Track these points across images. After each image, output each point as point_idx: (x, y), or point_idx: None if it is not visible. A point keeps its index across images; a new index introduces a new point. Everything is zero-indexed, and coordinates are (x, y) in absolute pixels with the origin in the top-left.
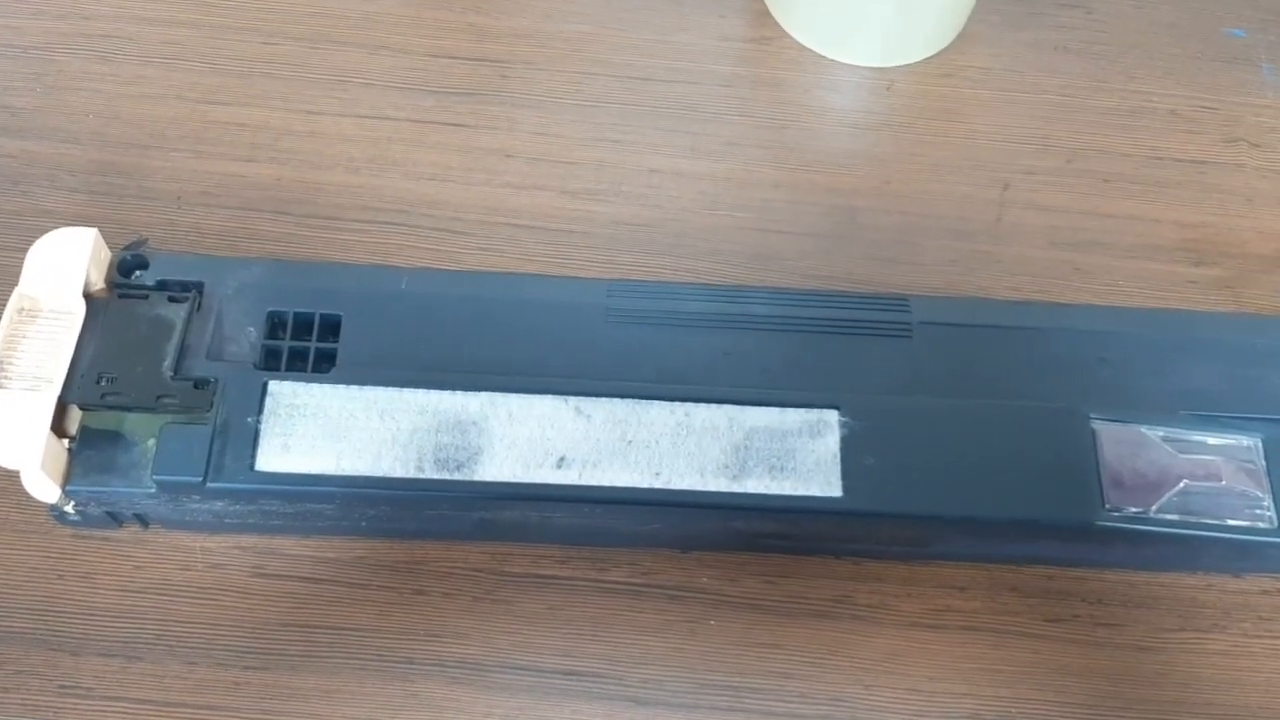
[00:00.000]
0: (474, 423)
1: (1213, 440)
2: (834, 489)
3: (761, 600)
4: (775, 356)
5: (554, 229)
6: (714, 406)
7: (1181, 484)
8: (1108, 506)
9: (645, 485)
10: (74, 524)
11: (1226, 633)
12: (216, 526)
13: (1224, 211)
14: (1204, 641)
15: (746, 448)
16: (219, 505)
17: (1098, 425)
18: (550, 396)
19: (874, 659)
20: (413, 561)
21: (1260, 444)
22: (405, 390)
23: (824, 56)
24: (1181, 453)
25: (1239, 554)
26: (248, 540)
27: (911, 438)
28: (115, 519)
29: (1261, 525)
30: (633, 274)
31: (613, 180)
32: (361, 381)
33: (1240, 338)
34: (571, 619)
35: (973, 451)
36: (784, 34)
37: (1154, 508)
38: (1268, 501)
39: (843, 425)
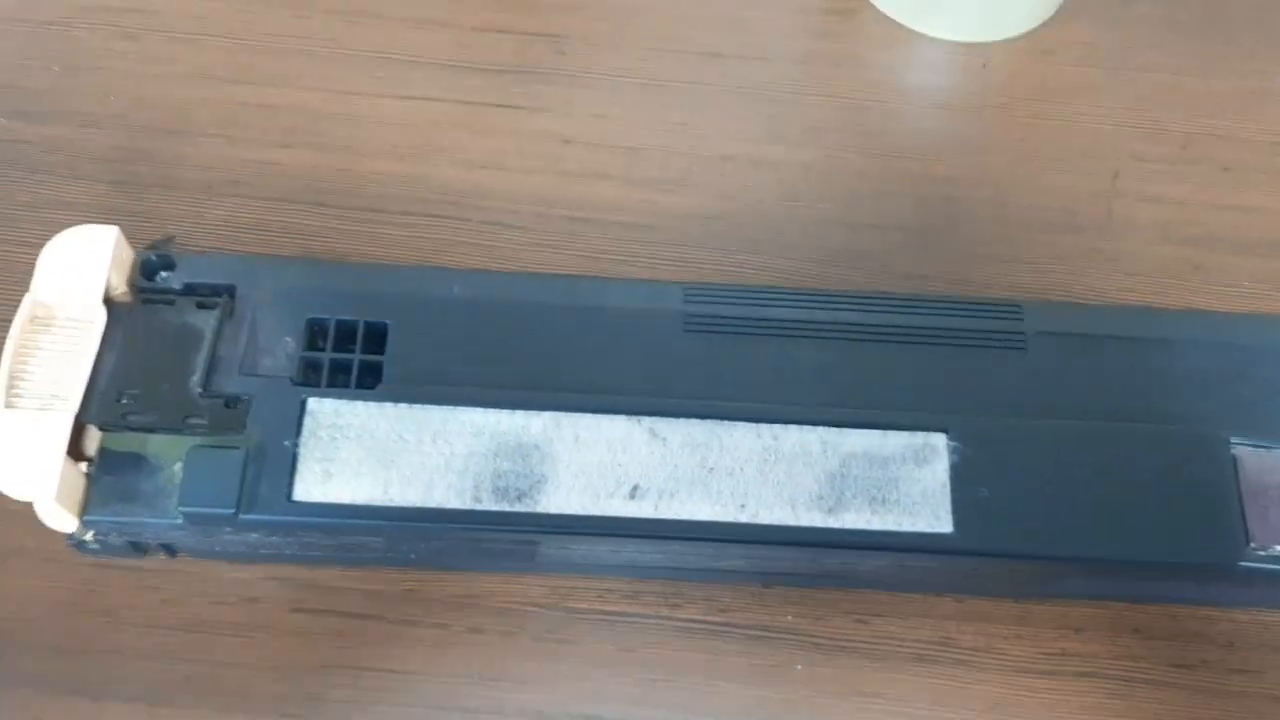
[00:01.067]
0: (536, 446)
1: None
2: (943, 524)
3: (853, 642)
4: (874, 371)
5: (617, 222)
6: (806, 429)
7: None
8: (1253, 544)
9: (729, 519)
10: (94, 553)
11: None
12: (251, 556)
13: None
14: None
15: (843, 476)
16: (253, 537)
17: (1239, 450)
18: (621, 417)
19: (979, 709)
20: (467, 596)
21: None
22: (459, 409)
23: (912, 30)
24: None
25: None
26: (286, 571)
27: (1029, 465)
28: (139, 549)
29: None
30: (705, 274)
31: (681, 168)
32: (411, 400)
33: None
34: (644, 662)
35: (1098, 481)
36: (867, 5)
37: None
38: None
39: (952, 451)
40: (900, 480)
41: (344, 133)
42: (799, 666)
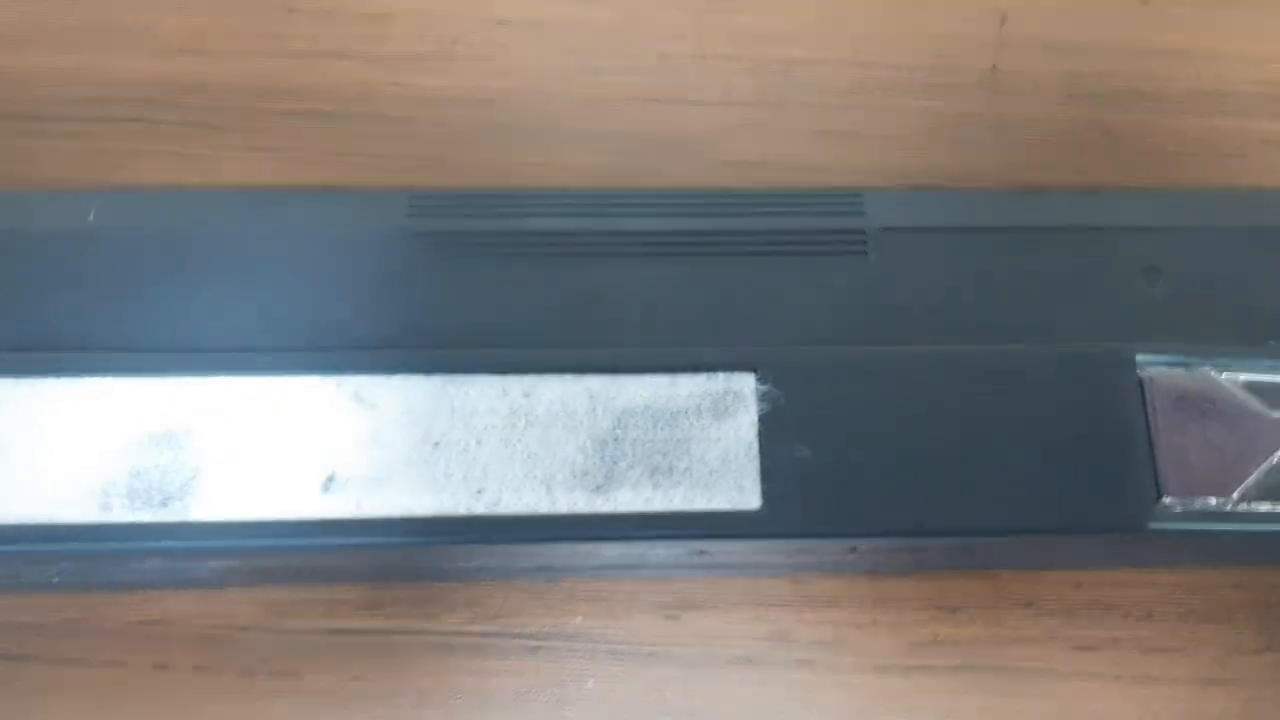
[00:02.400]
0: (189, 429)
1: None
2: (749, 498)
3: (661, 645)
4: (662, 295)
5: (357, 115)
6: (568, 379)
7: (1275, 457)
8: (1165, 500)
9: (459, 512)
10: None
11: None
12: None
13: None
14: None
15: (617, 441)
16: None
17: (1150, 372)
18: (315, 378)
19: None
20: (150, 621)
21: None
22: (83, 380)
23: None
24: (1273, 408)
25: None
26: None
27: (865, 411)
28: None
29: None
30: (468, 179)
31: (442, 39)
32: (10, 372)
33: None
34: (388, 694)
35: (959, 427)
36: None
37: (1234, 496)
38: None
39: (762, 397)
40: (693, 441)
41: None
42: (591, 682)
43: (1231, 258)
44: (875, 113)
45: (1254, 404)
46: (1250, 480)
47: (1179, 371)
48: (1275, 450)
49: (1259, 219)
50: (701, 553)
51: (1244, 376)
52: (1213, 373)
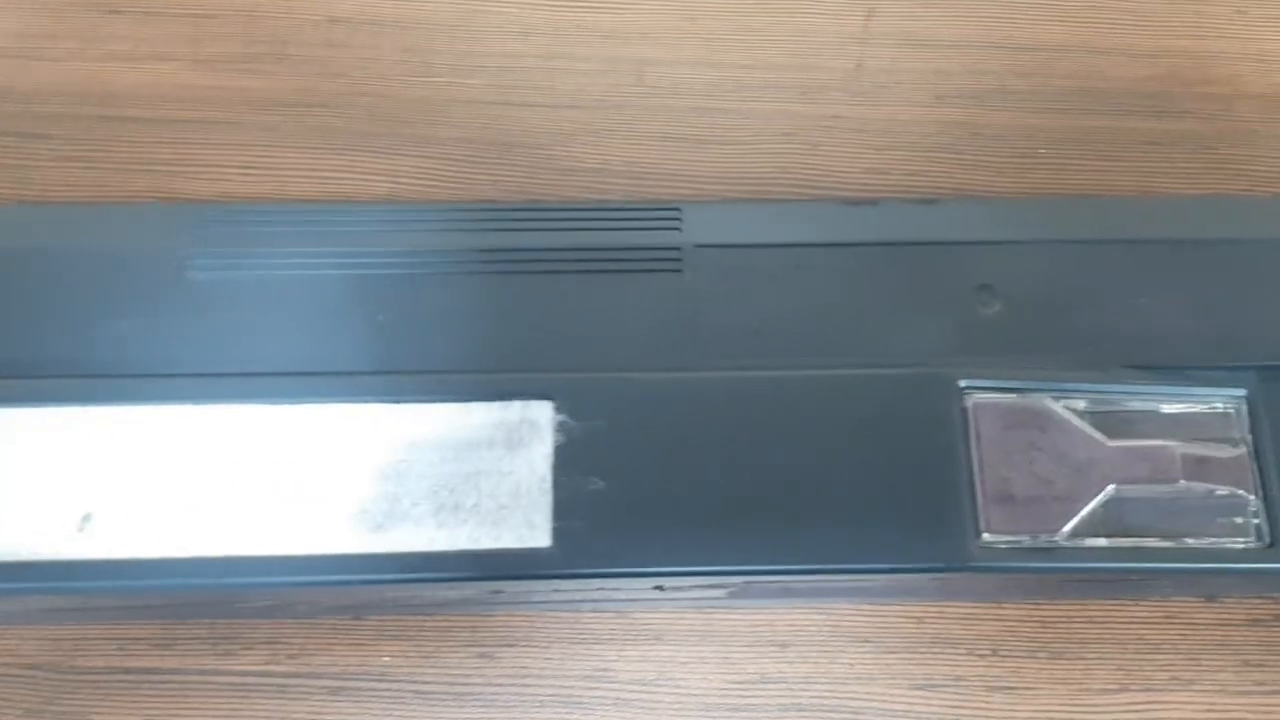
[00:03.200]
0: None
1: (1167, 408)
2: (538, 535)
3: (476, 685)
4: (458, 319)
5: (181, 120)
6: (352, 406)
7: (1109, 490)
8: (985, 537)
9: (217, 553)
10: None
11: (1193, 689)
12: None
13: (1199, 30)
14: (1151, 709)
15: (400, 475)
16: None
17: (973, 398)
18: (65, 408)
19: None
20: None
21: (1243, 408)
22: None
23: None
24: (1113, 436)
25: (1209, 579)
26: None
27: (671, 439)
28: None
29: (1241, 545)
30: (292, 191)
31: (274, 38)
32: None
33: (1215, 233)
34: None
35: (772, 455)
36: None
37: (1064, 531)
38: (1252, 502)
39: (559, 427)
40: (482, 475)
41: None
42: None
43: (1080, 274)
44: (730, 116)
45: (1091, 433)
46: (1083, 514)
47: (1009, 398)
48: (1110, 482)
49: (1116, 230)
50: (497, 591)
51: (1083, 403)
52: (1047, 399)
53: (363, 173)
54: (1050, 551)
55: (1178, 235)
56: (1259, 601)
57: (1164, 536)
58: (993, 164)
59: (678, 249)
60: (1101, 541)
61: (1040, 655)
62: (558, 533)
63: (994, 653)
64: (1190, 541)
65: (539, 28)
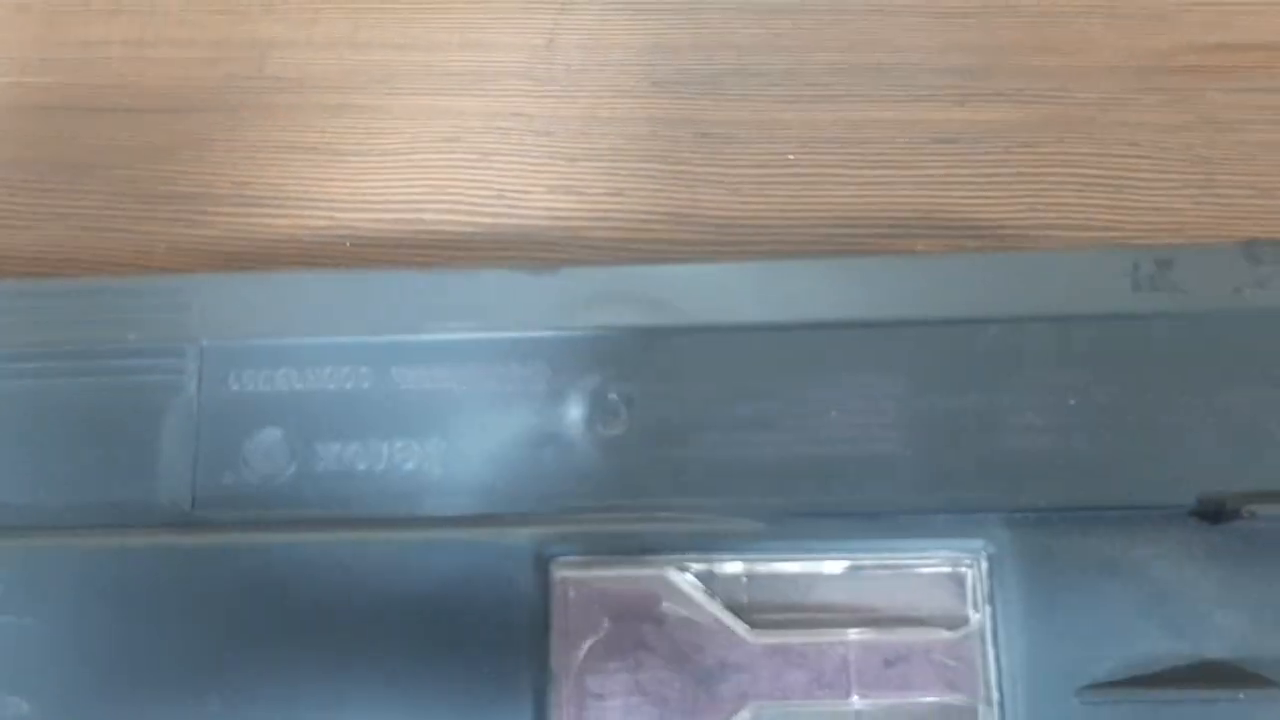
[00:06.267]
0: None
1: (862, 574)
2: None
3: None
4: None
5: None
6: None
7: (744, 714)
8: None
9: None
10: None
11: None
12: None
13: None
14: None
15: None
16: None
17: (562, 571)
18: None
19: None
20: None
21: (981, 567)
22: None
23: None
24: (760, 625)
25: None
26: None
27: (141, 620)
28: None
29: None
30: None
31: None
32: None
33: (972, 309)
34: None
35: (304, 639)
36: None
37: None
38: (982, 716)
39: None
40: None
41: None
42: None
43: (734, 361)
44: (373, 116)
45: (728, 622)
46: None
47: (619, 575)
48: (749, 700)
49: (831, 306)
50: None
51: (732, 565)
52: (670, 571)
53: None
54: None
55: (905, 314)
56: None
57: None
58: (725, 176)
59: (189, 342)
60: None
61: None
62: None
63: None
64: None
65: (127, 5)
